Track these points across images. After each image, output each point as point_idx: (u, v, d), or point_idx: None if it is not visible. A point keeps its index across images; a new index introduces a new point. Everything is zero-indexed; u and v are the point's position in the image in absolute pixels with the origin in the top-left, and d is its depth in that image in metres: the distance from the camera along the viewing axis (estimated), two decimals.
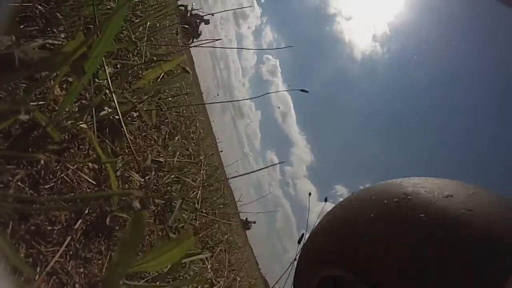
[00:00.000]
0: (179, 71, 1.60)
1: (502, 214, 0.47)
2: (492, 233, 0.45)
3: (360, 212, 0.58)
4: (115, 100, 0.74)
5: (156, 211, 0.98)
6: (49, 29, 0.69)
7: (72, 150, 0.66)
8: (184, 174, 1.39)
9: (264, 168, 0.52)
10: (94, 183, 0.68)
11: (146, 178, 0.90)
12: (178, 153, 1.48)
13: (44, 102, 0.59)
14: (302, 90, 1.14)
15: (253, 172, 0.49)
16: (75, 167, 0.63)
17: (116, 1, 0.96)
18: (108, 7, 0.93)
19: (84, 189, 0.65)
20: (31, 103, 0.57)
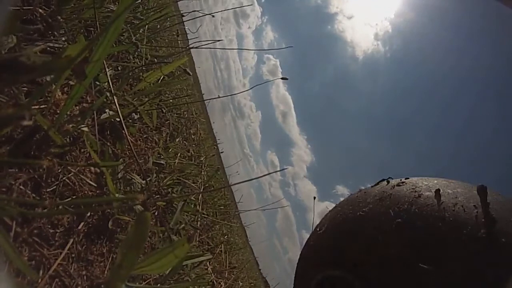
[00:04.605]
0: (179, 73, 1.60)
1: (502, 214, 0.47)
2: (491, 233, 0.45)
3: (354, 213, 0.58)
4: (116, 103, 0.74)
5: (157, 213, 0.98)
6: (50, 32, 0.69)
7: (74, 153, 0.66)
8: (185, 176, 1.39)
9: (267, 174, 0.52)
10: (96, 185, 0.68)
11: (148, 180, 0.90)
12: (179, 154, 1.48)
13: (45, 106, 0.59)
14: (282, 78, 1.21)
15: (256, 178, 0.49)
16: (76, 170, 0.64)
17: (117, 3, 0.97)
18: (109, 9, 0.94)
19: (86, 192, 0.65)
20: (33, 107, 0.57)
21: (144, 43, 1.20)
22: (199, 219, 1.52)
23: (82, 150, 0.69)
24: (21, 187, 0.50)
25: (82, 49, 0.39)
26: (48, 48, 0.65)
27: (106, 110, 0.79)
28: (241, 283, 2.28)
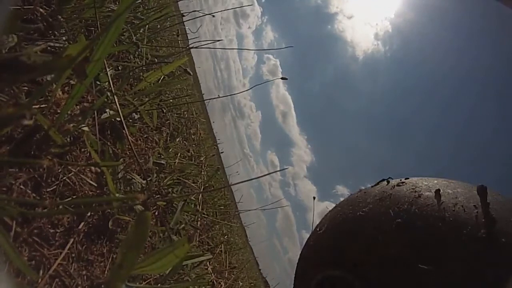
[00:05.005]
0: (180, 73, 1.60)
1: (502, 214, 0.47)
2: (491, 233, 0.45)
3: (354, 213, 0.58)
4: (117, 103, 0.74)
5: (157, 213, 0.98)
6: (50, 31, 0.69)
7: (74, 153, 0.66)
8: (185, 176, 1.39)
9: (267, 174, 0.52)
10: (96, 185, 0.68)
11: (148, 180, 0.90)
12: (179, 154, 1.48)
13: (46, 105, 0.59)
14: (282, 78, 1.21)
15: (256, 178, 0.49)
16: (77, 170, 0.64)
17: (118, 3, 0.97)
18: (109, 9, 0.94)
19: (86, 191, 0.65)
20: (33, 106, 0.57)
21: (145, 43, 1.20)
22: (199, 219, 1.52)
23: (83, 150, 0.69)
24: (21, 186, 0.50)
25: (83, 48, 0.39)
26: (49, 48, 0.65)
27: (107, 110, 0.79)
28: (241, 283, 2.28)
